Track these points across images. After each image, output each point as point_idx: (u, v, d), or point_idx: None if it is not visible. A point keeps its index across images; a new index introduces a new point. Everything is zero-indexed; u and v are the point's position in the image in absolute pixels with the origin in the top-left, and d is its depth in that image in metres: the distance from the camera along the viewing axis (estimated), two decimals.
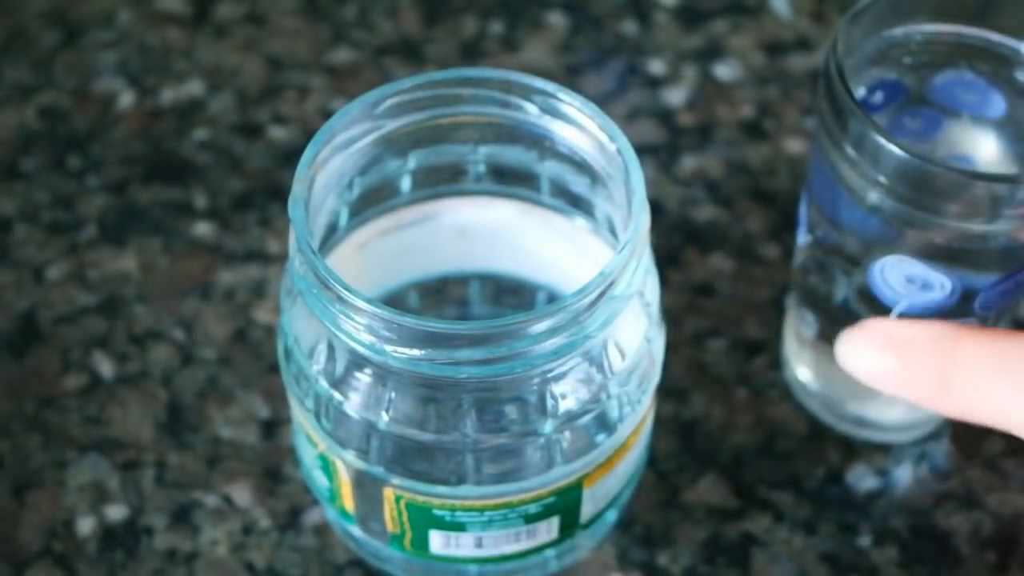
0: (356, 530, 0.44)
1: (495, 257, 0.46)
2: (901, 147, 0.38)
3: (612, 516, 0.46)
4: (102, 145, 0.57)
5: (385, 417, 0.39)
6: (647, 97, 0.58)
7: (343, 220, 0.44)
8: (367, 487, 0.42)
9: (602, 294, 0.37)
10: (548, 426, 0.40)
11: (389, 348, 0.37)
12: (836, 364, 0.42)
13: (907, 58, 0.43)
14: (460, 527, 0.42)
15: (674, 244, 0.54)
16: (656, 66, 0.59)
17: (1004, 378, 0.34)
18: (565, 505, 0.42)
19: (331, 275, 0.37)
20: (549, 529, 0.43)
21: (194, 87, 0.59)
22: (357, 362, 0.39)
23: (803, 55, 0.59)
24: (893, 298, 0.42)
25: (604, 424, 0.41)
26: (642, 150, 0.55)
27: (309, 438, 0.42)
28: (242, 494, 0.48)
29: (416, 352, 0.37)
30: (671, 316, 0.51)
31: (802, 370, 0.49)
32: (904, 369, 0.35)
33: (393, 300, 0.46)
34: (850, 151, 0.40)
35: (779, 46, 0.60)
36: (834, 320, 0.45)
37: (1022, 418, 0.34)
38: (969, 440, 0.49)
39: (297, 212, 0.38)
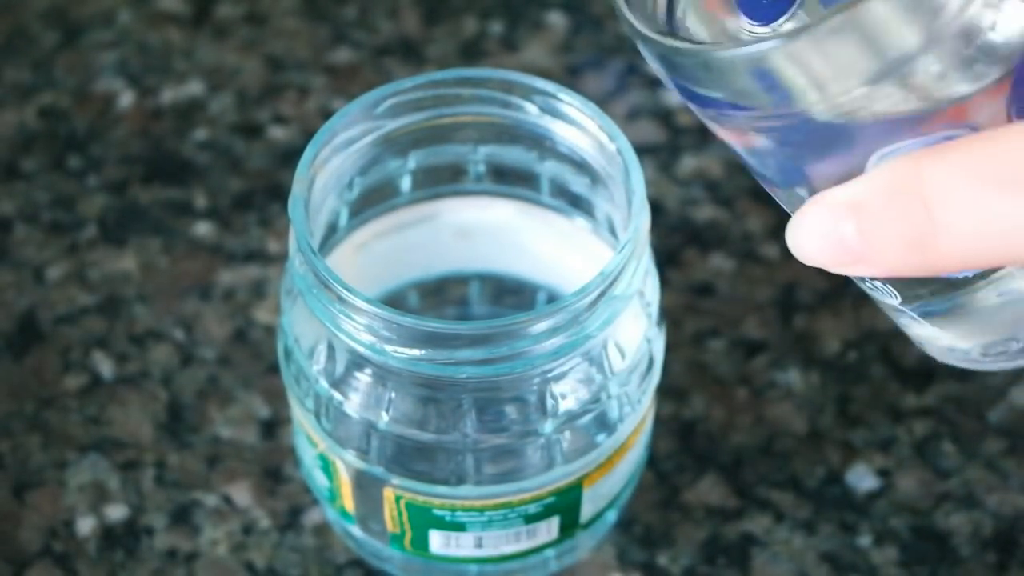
0: (356, 530, 0.44)
1: (495, 257, 0.46)
2: None
3: (612, 516, 0.46)
4: (102, 145, 0.57)
5: (385, 417, 0.40)
6: (647, 97, 0.58)
7: (343, 220, 0.44)
8: (367, 487, 0.42)
9: (602, 294, 0.37)
10: (548, 426, 0.40)
11: (389, 348, 0.37)
12: None
13: None
14: (460, 527, 0.42)
15: (674, 244, 0.54)
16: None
17: (1000, 186, 0.26)
18: (565, 505, 0.42)
19: (331, 275, 0.37)
20: (549, 529, 0.43)
21: (194, 87, 0.59)
22: (357, 362, 0.39)
23: None
24: None
25: (604, 424, 0.41)
26: (642, 150, 0.55)
27: (309, 438, 0.42)
28: (242, 494, 0.48)
29: (416, 352, 0.37)
30: (671, 316, 0.51)
31: None
32: (870, 228, 0.27)
33: (393, 300, 0.46)
34: None
35: None
36: None
37: None
38: None
39: (297, 212, 0.38)
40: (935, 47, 0.28)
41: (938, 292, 0.34)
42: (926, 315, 0.34)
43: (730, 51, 0.29)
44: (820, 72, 0.28)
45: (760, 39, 0.28)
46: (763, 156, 0.32)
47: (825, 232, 0.28)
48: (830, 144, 0.30)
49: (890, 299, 0.35)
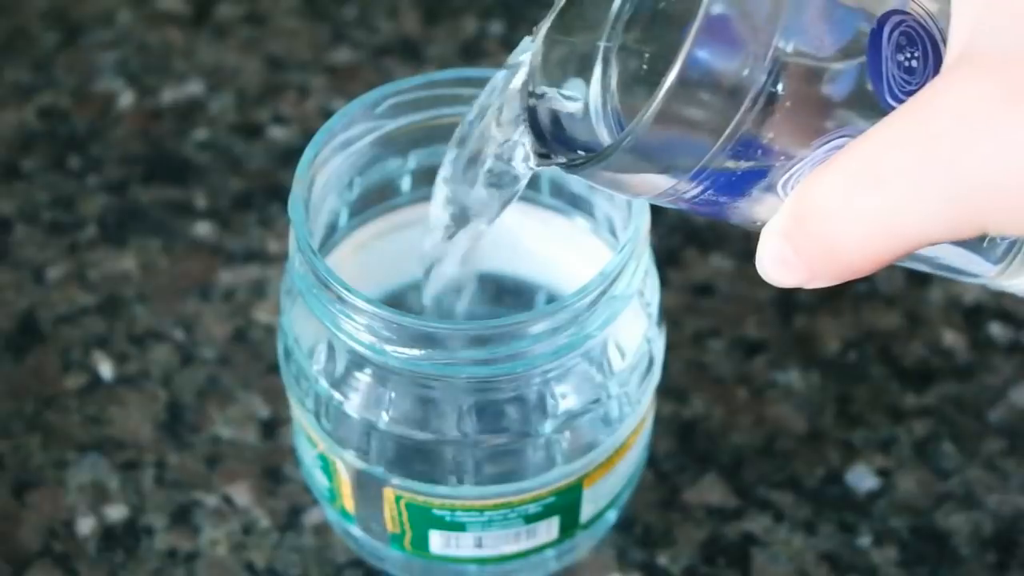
0: (356, 530, 0.44)
1: (495, 257, 0.46)
2: None
3: (612, 516, 0.46)
4: (102, 145, 0.57)
5: (385, 417, 0.39)
6: None
7: (343, 220, 0.44)
8: (367, 487, 0.42)
9: (602, 294, 0.37)
10: (548, 426, 0.40)
11: (389, 348, 0.37)
12: None
13: None
14: (460, 527, 0.42)
15: (674, 244, 0.54)
16: None
17: (866, 186, 0.29)
18: (565, 505, 0.42)
19: (331, 275, 0.37)
20: (549, 529, 0.43)
21: (194, 87, 0.59)
22: (357, 362, 0.39)
23: None
24: None
25: (604, 424, 0.41)
26: None
27: (309, 438, 0.42)
28: (242, 494, 0.48)
29: (416, 352, 0.37)
30: (671, 316, 0.51)
31: None
32: (799, 249, 0.30)
33: (393, 300, 0.46)
34: None
35: None
36: None
37: (917, 220, 0.28)
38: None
39: (297, 212, 0.38)
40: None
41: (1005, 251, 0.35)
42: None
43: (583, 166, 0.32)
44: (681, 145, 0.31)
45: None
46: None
47: (775, 260, 0.31)
48: (745, 189, 0.32)
49: (991, 281, 0.36)
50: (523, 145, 0.36)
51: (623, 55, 0.37)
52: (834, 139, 0.31)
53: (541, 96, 0.37)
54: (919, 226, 0.28)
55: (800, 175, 0.31)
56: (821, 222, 0.30)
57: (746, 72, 0.29)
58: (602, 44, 0.37)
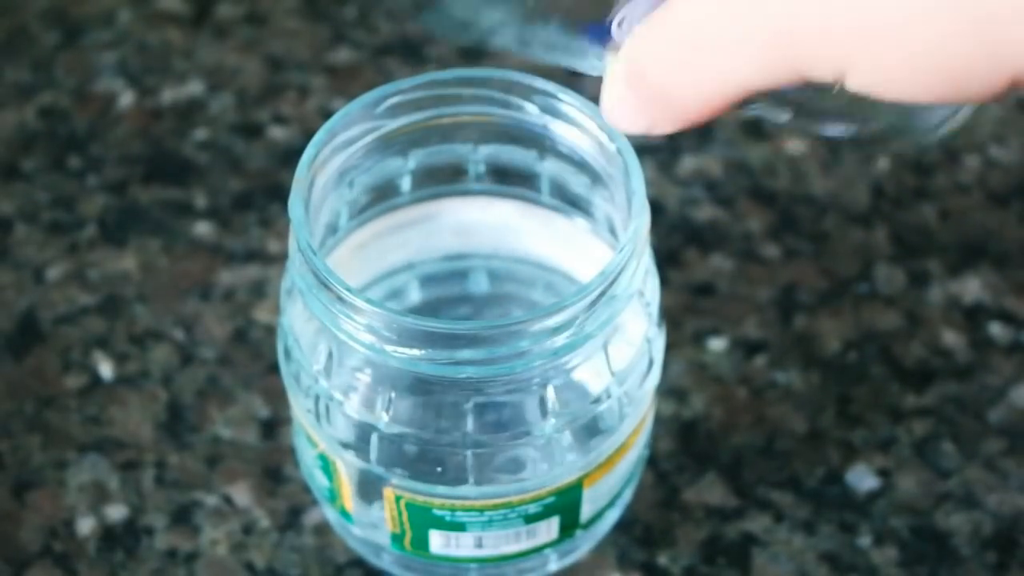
0: (356, 530, 0.44)
1: (495, 256, 0.46)
2: None
3: (612, 516, 0.46)
4: (102, 145, 0.57)
5: (385, 417, 0.40)
6: None
7: (343, 220, 0.44)
8: (367, 487, 0.42)
9: (602, 294, 0.37)
10: (548, 426, 0.40)
11: (389, 348, 0.37)
12: None
13: None
14: (460, 527, 0.42)
15: (674, 244, 0.54)
16: None
17: (693, 46, 0.30)
18: (565, 505, 0.42)
19: (331, 275, 0.37)
20: (549, 529, 0.43)
21: (194, 87, 0.59)
22: (357, 362, 0.39)
23: None
24: None
25: (604, 424, 0.41)
26: (642, 150, 0.55)
27: (309, 438, 0.42)
28: (242, 494, 0.48)
29: (416, 352, 0.37)
30: (671, 316, 0.51)
31: None
32: (636, 97, 0.32)
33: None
34: None
35: None
36: None
37: (739, 72, 0.30)
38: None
39: (297, 212, 0.38)
40: None
41: None
42: None
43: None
44: None
45: None
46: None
47: (619, 105, 0.33)
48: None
49: None
50: None
51: None
52: None
53: None
54: (743, 77, 0.30)
55: (631, 19, 0.32)
56: (656, 75, 0.31)
57: None
58: None
